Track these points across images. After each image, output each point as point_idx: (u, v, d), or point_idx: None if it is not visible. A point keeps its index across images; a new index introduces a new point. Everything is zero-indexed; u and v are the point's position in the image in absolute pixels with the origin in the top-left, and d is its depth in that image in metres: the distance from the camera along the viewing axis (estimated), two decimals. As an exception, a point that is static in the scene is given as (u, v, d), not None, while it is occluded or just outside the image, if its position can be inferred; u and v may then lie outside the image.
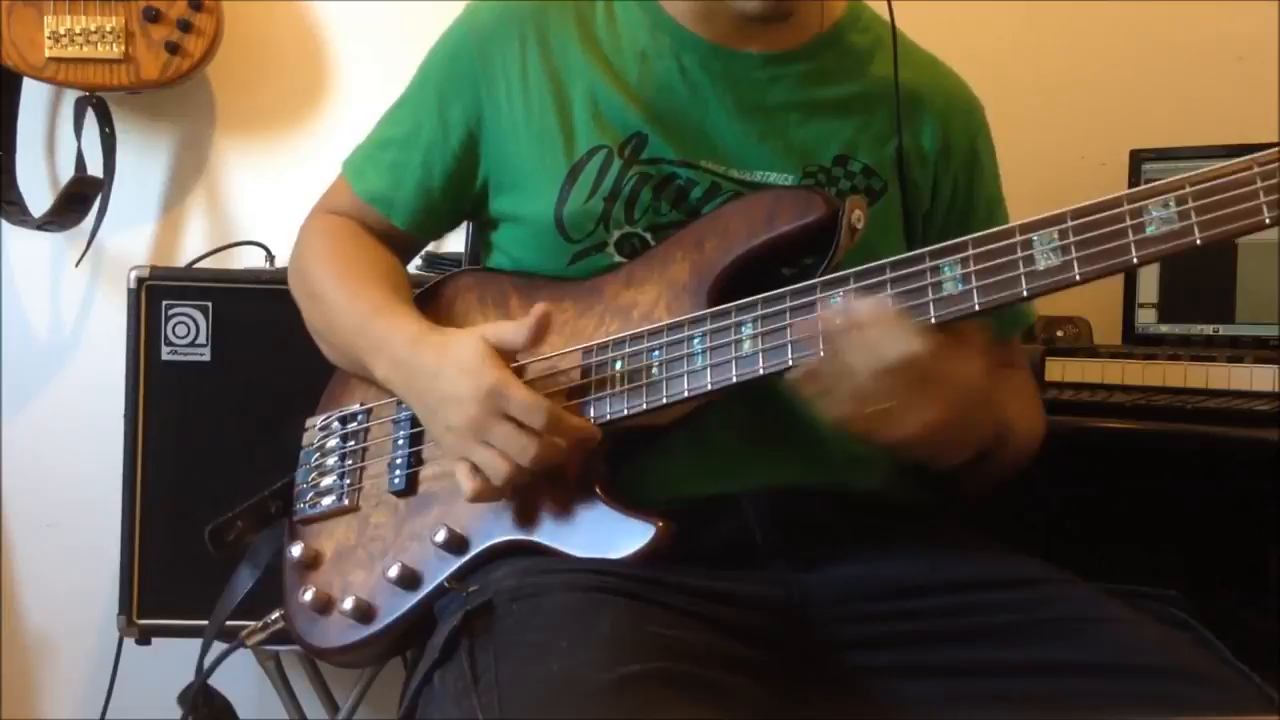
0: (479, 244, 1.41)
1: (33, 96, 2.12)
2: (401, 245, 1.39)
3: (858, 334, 1.04)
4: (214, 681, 1.50)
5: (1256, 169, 0.97)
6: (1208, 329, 1.80)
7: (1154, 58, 2.10)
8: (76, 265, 2.15)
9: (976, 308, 1.05)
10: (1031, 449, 1.31)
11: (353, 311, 1.29)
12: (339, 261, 1.34)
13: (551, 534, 1.16)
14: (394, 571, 1.22)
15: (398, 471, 1.27)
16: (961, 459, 1.16)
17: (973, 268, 1.05)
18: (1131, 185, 1.87)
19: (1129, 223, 1.00)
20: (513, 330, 1.16)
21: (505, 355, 1.16)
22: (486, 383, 1.12)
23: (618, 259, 1.26)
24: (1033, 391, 1.39)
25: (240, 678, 1.94)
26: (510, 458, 1.12)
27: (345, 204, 1.38)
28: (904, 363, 1.03)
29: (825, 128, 1.29)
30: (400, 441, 1.28)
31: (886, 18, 1.32)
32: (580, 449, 1.14)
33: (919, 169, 1.32)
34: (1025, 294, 1.03)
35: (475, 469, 1.14)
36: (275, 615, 1.34)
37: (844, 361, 1.05)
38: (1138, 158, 1.88)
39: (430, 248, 1.87)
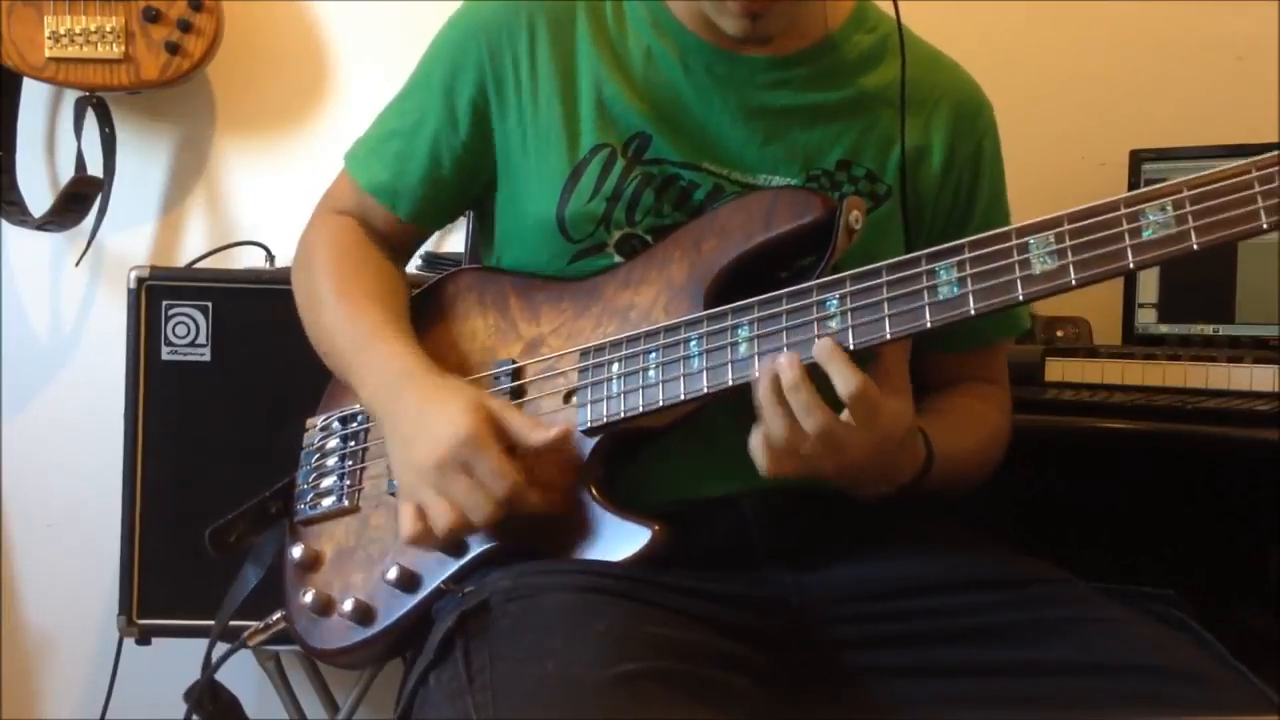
0: (479, 239, 1.41)
1: (33, 96, 2.12)
2: (403, 240, 1.39)
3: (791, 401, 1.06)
4: (219, 681, 1.50)
5: (1255, 173, 0.96)
6: (1208, 329, 1.80)
7: (1154, 58, 2.10)
8: (76, 265, 2.15)
9: (972, 312, 1.04)
10: (982, 463, 1.31)
11: (349, 332, 1.28)
12: (341, 275, 1.33)
13: (549, 537, 1.16)
14: (393, 573, 1.22)
15: (397, 473, 1.27)
16: (879, 492, 1.17)
17: (969, 271, 1.04)
18: (1131, 185, 1.87)
19: (1125, 227, 0.99)
20: (524, 426, 1.13)
21: (499, 432, 1.13)
22: (466, 432, 1.11)
23: (617, 259, 1.25)
24: (995, 405, 1.37)
25: (241, 678, 1.94)
26: (460, 512, 1.12)
27: (348, 199, 1.38)
28: (850, 399, 1.05)
29: (829, 132, 1.28)
30: (399, 442, 1.28)
31: (892, 18, 1.32)
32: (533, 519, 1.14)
33: (924, 172, 1.31)
34: (1021, 298, 1.03)
35: (420, 513, 1.14)
36: (277, 616, 1.34)
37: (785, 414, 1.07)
38: (1138, 158, 1.88)
39: (430, 247, 1.87)
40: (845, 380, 1.05)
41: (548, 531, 1.16)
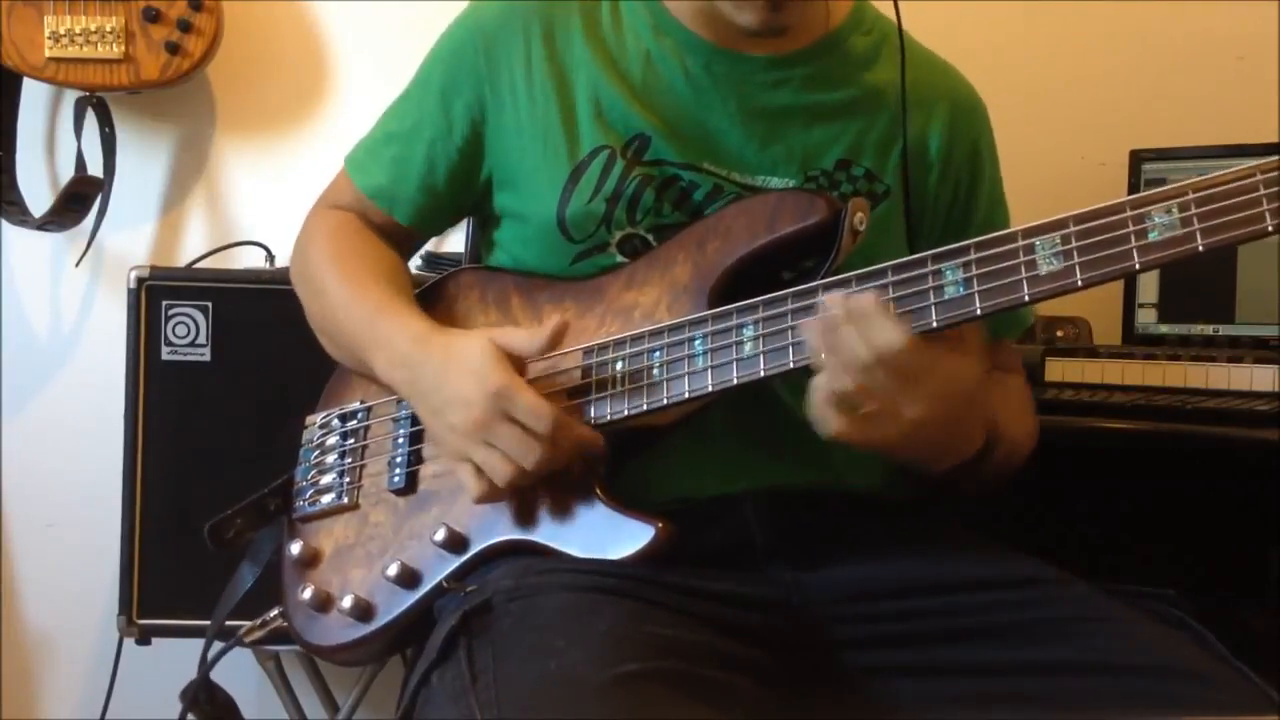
0: (480, 241, 1.41)
1: (33, 96, 2.12)
2: (403, 240, 1.39)
3: (847, 329, 1.03)
4: (214, 681, 1.50)
5: (1259, 176, 0.96)
6: (1208, 329, 1.80)
7: (1154, 58, 2.10)
8: (76, 265, 2.15)
9: (978, 312, 1.04)
10: (1022, 455, 1.29)
11: (356, 310, 1.29)
12: (342, 259, 1.34)
13: (551, 534, 1.16)
14: (393, 570, 1.22)
15: (397, 470, 1.27)
16: (951, 463, 1.16)
17: (975, 271, 1.05)
18: (1131, 185, 1.87)
19: (1131, 228, 1.00)
20: (524, 338, 1.17)
21: (513, 360, 1.16)
22: (493, 385, 1.12)
23: (620, 259, 1.26)
24: (1025, 396, 1.37)
25: (240, 678, 1.94)
26: (513, 460, 1.12)
27: (348, 199, 1.38)
28: (890, 356, 1.02)
29: (828, 132, 1.29)
30: (400, 440, 1.28)
31: (890, 18, 1.32)
32: (582, 456, 1.15)
33: (923, 172, 1.32)
34: (1027, 298, 1.03)
35: (478, 470, 1.15)
36: (274, 613, 1.35)
37: (837, 360, 1.04)
38: (1138, 158, 1.88)
39: (430, 247, 1.87)
40: (885, 334, 1.02)
41: (552, 527, 1.16)
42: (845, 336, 1.03)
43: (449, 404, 1.16)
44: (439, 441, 1.21)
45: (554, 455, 1.12)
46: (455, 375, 1.16)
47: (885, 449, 1.10)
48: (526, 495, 1.18)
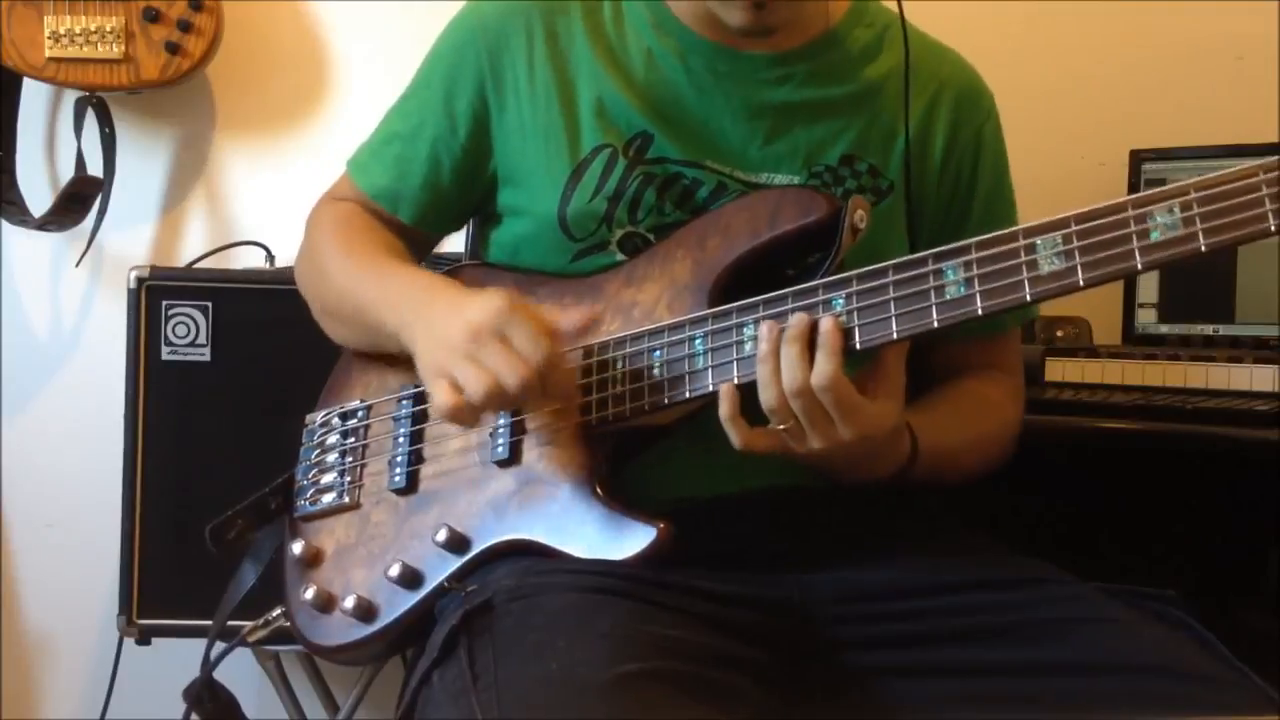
0: (479, 239, 1.41)
1: (33, 96, 2.12)
2: (408, 242, 1.38)
3: (791, 348, 1.07)
4: (217, 680, 1.50)
5: (1262, 176, 0.96)
6: (1208, 329, 1.80)
7: (1154, 58, 2.10)
8: (76, 265, 2.15)
9: (980, 311, 1.05)
10: (990, 459, 1.31)
11: (364, 276, 1.28)
12: (347, 241, 1.34)
13: (553, 535, 1.16)
14: (395, 570, 1.22)
15: (398, 469, 1.27)
16: (858, 480, 1.18)
17: (975, 271, 1.05)
18: (1131, 185, 1.87)
19: (1133, 228, 1.00)
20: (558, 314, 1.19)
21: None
22: (502, 302, 1.12)
23: (620, 258, 1.26)
24: (1002, 395, 1.36)
25: (241, 678, 1.94)
26: (494, 376, 1.10)
27: (350, 199, 1.39)
28: (817, 388, 1.06)
29: (831, 127, 1.29)
30: (401, 439, 1.28)
31: (890, 12, 1.32)
32: (557, 402, 1.16)
33: (926, 163, 1.31)
34: (1029, 298, 1.03)
35: (454, 386, 1.12)
36: (277, 612, 1.34)
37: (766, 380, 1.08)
38: (1138, 158, 1.88)
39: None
40: (820, 369, 1.06)
41: (554, 528, 1.16)
42: (787, 355, 1.07)
43: (449, 318, 1.15)
44: (422, 362, 1.18)
45: (533, 388, 1.11)
46: (468, 300, 1.16)
47: (789, 459, 1.12)
48: (528, 495, 1.18)
